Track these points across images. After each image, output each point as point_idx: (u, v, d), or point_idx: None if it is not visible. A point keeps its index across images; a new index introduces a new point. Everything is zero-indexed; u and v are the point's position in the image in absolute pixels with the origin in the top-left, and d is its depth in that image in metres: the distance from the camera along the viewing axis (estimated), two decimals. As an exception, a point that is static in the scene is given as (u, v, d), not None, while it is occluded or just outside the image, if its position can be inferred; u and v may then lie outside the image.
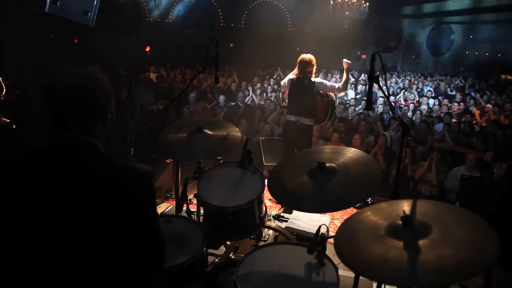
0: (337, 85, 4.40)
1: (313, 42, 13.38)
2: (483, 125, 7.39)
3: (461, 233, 1.38)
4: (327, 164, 2.00)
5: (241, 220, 2.20)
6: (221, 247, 2.80)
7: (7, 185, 1.16)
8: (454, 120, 7.38)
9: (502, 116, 7.89)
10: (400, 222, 1.46)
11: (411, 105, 8.86)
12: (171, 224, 2.22)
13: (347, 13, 11.48)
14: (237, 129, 2.62)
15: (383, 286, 2.14)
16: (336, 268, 1.83)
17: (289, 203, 2.11)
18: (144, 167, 1.26)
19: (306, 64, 4.28)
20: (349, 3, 11.42)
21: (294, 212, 3.23)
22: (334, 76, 12.29)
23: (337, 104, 8.52)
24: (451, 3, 14.29)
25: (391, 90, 11.23)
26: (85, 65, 1.27)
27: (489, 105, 8.60)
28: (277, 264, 1.89)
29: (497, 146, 5.37)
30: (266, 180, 2.21)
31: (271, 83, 10.07)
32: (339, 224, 1.66)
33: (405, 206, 1.59)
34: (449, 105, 9.00)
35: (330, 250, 2.45)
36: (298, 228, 2.96)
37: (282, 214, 3.67)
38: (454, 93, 11.31)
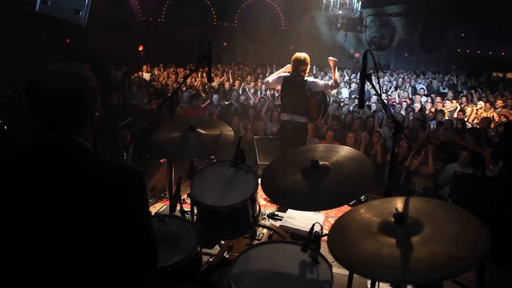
0: (330, 83, 4.42)
1: (306, 40, 13.41)
2: (475, 122, 7.46)
3: (453, 230, 1.39)
4: (321, 163, 2.00)
5: (235, 219, 2.19)
6: (215, 247, 2.80)
7: None
8: (447, 118, 7.44)
9: (493, 112, 7.97)
10: (393, 219, 1.47)
11: (404, 103, 8.91)
12: (164, 224, 2.21)
13: (339, 11, 11.50)
14: (230, 128, 2.61)
15: (377, 283, 2.16)
16: (330, 266, 1.83)
17: (283, 202, 2.11)
18: (134, 166, 1.24)
19: (300, 62, 4.29)
20: (342, 1, 11.44)
21: (289, 210, 3.24)
22: (328, 74, 12.32)
23: (330, 102, 8.57)
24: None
25: (384, 88, 11.28)
26: (70, 62, 1.23)
27: (480, 102, 8.68)
28: (271, 262, 1.89)
29: (489, 142, 5.43)
30: (259, 179, 2.21)
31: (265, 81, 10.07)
32: (333, 222, 1.67)
33: (398, 203, 1.59)
34: (442, 102, 9.07)
35: (324, 248, 2.45)
36: (293, 227, 2.97)
37: (276, 213, 3.68)
38: (446, 90, 11.40)
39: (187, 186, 3.27)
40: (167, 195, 4.45)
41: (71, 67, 1.22)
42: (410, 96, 10.07)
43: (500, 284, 3.33)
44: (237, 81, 10.23)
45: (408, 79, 12.66)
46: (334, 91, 9.21)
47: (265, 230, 2.61)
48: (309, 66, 4.38)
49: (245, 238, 2.49)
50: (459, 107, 8.44)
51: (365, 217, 1.60)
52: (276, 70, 4.95)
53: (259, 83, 10.07)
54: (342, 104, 8.76)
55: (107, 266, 1.18)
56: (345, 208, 3.77)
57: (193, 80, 10.34)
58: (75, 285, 1.16)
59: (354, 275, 2.36)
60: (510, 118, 6.98)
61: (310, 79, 4.39)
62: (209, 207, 2.18)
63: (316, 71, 12.87)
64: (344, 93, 10.49)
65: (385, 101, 9.15)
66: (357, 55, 16.73)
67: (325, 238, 1.76)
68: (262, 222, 2.76)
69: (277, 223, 3.16)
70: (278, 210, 3.78)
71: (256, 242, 2.40)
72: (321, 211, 3.39)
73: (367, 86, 2.16)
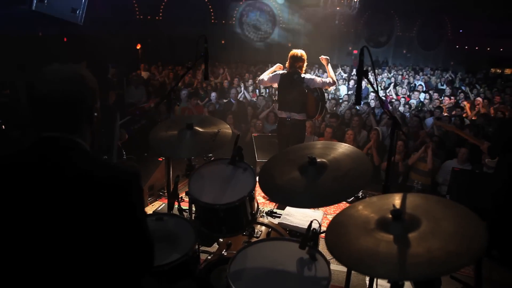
0: (327, 80, 4.41)
1: (304, 37, 13.40)
2: (473, 118, 7.47)
3: (450, 226, 1.39)
4: (318, 160, 2.00)
5: (233, 217, 2.19)
6: (214, 245, 2.80)
7: None
8: (445, 114, 7.45)
9: (492, 108, 7.98)
10: (390, 215, 1.47)
11: (402, 99, 8.92)
12: (162, 222, 2.21)
13: (338, 8, 11.48)
14: (228, 126, 2.60)
15: (375, 279, 2.16)
16: (328, 263, 1.83)
17: (280, 199, 2.11)
18: (131, 167, 1.24)
19: (296, 59, 4.28)
20: (340, -2, 11.44)
21: (287, 208, 3.24)
22: (325, 72, 12.31)
23: (328, 99, 8.56)
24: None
25: (382, 85, 11.28)
26: (70, 63, 1.23)
27: (479, 99, 8.69)
28: (269, 260, 1.89)
29: (487, 138, 5.43)
30: (257, 177, 2.21)
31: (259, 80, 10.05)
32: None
33: (395, 200, 1.59)
34: (440, 99, 9.08)
35: (323, 245, 2.46)
36: (291, 224, 2.96)
37: (275, 210, 3.68)
38: (444, 87, 11.41)
39: (186, 184, 3.27)
40: (166, 194, 4.46)
41: (70, 68, 1.22)
42: (408, 93, 10.08)
43: (498, 280, 3.34)
44: (236, 79, 10.22)
45: (406, 76, 12.67)
46: (331, 88, 9.20)
47: (263, 228, 2.61)
48: (305, 63, 4.37)
49: (243, 235, 2.48)
50: (457, 103, 8.45)
51: (362, 213, 1.60)
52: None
53: (257, 81, 10.06)
54: (340, 101, 8.75)
55: (103, 266, 1.18)
56: (344, 205, 3.80)
57: (192, 78, 10.32)
58: (72, 285, 1.15)
59: (352, 271, 2.36)
60: (507, 114, 6.98)
61: (307, 76, 4.38)
62: (207, 205, 2.17)
63: (315, 69, 12.87)
64: (342, 90, 10.48)
65: (383, 97, 9.19)
66: (355, 52, 16.72)
67: (323, 235, 1.76)
68: (261, 219, 2.76)
69: (276, 221, 3.16)
70: (278, 208, 3.78)
71: (254, 239, 2.40)
72: (319, 208, 3.39)
73: (366, 83, 2.15)
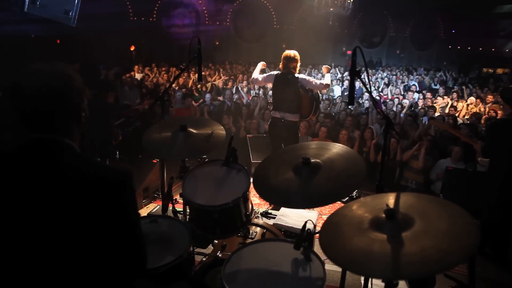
0: (318, 82, 4.43)
1: (298, 38, 13.41)
2: (466, 117, 7.53)
3: (443, 225, 1.40)
4: (312, 160, 2.00)
5: (227, 218, 2.18)
6: (209, 246, 2.79)
7: None
8: (438, 114, 7.50)
9: (483, 107, 8.05)
10: (384, 215, 1.47)
11: (396, 99, 8.97)
12: (156, 224, 2.20)
13: (331, 9, 11.51)
14: (222, 127, 2.60)
15: (370, 279, 2.16)
16: (323, 263, 1.83)
17: (274, 200, 2.11)
18: (123, 167, 1.22)
19: (290, 59, 4.30)
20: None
21: (282, 208, 3.23)
22: (320, 72, 12.35)
23: (322, 99, 8.58)
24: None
25: (376, 85, 11.34)
26: (54, 62, 1.21)
27: (471, 98, 8.76)
28: (264, 261, 1.89)
29: (480, 137, 5.48)
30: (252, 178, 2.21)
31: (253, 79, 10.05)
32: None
33: (389, 200, 1.60)
34: (433, 99, 9.14)
35: (318, 246, 2.46)
36: (286, 225, 2.96)
37: (269, 211, 3.67)
38: (438, 87, 11.49)
39: (180, 186, 3.26)
40: (160, 195, 4.45)
41: (55, 67, 1.19)
42: (402, 93, 10.14)
43: (491, 277, 3.37)
44: (230, 80, 10.21)
45: (400, 76, 12.75)
46: (324, 91, 9.26)
47: (258, 229, 2.61)
48: (299, 63, 4.38)
49: (238, 237, 2.48)
50: (450, 103, 8.52)
51: (356, 213, 1.60)
52: (268, 69, 4.95)
53: (250, 80, 10.06)
54: (334, 101, 8.78)
55: (95, 267, 1.17)
56: (339, 205, 3.81)
57: (188, 79, 10.29)
58: (64, 286, 1.14)
59: (347, 271, 2.37)
60: (499, 113, 7.05)
61: (301, 76, 4.39)
62: (201, 206, 2.16)
63: (310, 70, 12.90)
64: (336, 90, 10.51)
65: (377, 98, 9.23)
66: (349, 52, 16.78)
67: (318, 235, 1.76)
68: (256, 220, 2.76)
69: (271, 222, 3.15)
70: (272, 209, 3.77)
71: (249, 240, 2.40)
72: (314, 209, 3.40)
73: (359, 83, 2.16)
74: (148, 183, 4.66)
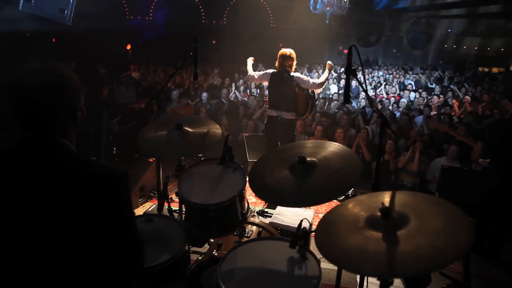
0: (313, 81, 4.43)
1: (295, 37, 13.40)
2: (461, 116, 7.56)
3: (438, 223, 1.40)
4: (308, 159, 2.00)
5: (223, 217, 2.18)
6: (205, 245, 2.78)
7: None
8: (434, 113, 7.53)
9: (480, 107, 8.09)
10: (379, 213, 1.47)
11: (392, 98, 9.00)
12: (152, 223, 2.19)
13: (328, 8, 11.52)
14: (218, 126, 2.59)
15: (366, 277, 2.17)
16: (318, 262, 1.83)
17: (270, 199, 2.11)
18: (118, 166, 1.22)
19: (286, 58, 4.30)
20: (331, -1, 11.48)
21: (278, 207, 3.24)
22: (317, 71, 12.36)
23: (318, 97, 8.58)
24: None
25: (373, 84, 11.36)
26: (51, 61, 1.19)
27: (467, 97, 8.80)
28: (260, 259, 1.89)
29: (475, 136, 5.51)
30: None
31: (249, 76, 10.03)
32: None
33: (385, 198, 1.60)
34: (429, 97, 9.17)
35: (314, 244, 2.46)
36: (282, 223, 2.96)
37: (266, 210, 3.67)
38: (434, 86, 11.54)
39: (176, 184, 3.25)
40: (157, 194, 4.43)
41: (51, 66, 1.18)
42: (398, 92, 10.17)
43: (486, 275, 3.39)
44: (227, 79, 10.19)
45: (396, 75, 12.78)
46: (319, 90, 9.26)
47: (254, 227, 2.60)
48: (295, 62, 4.38)
49: (234, 235, 2.47)
50: (445, 102, 8.55)
51: (352, 212, 1.60)
52: (265, 68, 4.95)
53: (246, 77, 10.04)
54: (331, 99, 8.79)
55: (92, 265, 1.17)
56: (335, 204, 3.82)
57: (185, 78, 10.27)
58: (60, 283, 1.14)
59: (343, 270, 2.37)
60: (495, 112, 7.08)
61: (296, 74, 4.39)
62: (197, 205, 2.16)
63: (306, 69, 12.90)
64: (333, 89, 10.53)
65: (373, 96, 9.25)
66: (346, 51, 16.80)
67: (314, 233, 1.76)
68: (252, 219, 2.75)
69: (267, 220, 3.15)
70: (268, 207, 3.77)
71: (245, 239, 2.39)
72: (310, 207, 3.40)
73: (356, 82, 2.16)
74: (144, 182, 4.64)
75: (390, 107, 8.04)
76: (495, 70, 16.86)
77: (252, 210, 3.67)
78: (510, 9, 12.69)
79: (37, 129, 1.17)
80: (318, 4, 11.81)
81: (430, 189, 5.12)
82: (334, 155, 2.06)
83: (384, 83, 11.25)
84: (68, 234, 1.12)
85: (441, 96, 9.28)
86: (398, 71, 13.76)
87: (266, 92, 5.44)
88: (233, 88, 9.04)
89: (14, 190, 1.12)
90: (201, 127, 2.57)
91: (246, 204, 2.32)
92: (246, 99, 8.33)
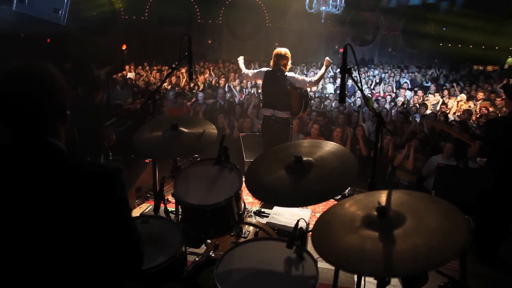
0: (308, 79, 4.43)
1: (291, 37, 13.43)
2: (457, 114, 7.60)
3: (434, 222, 1.40)
4: (304, 158, 1.99)
5: (220, 217, 2.17)
6: (202, 246, 2.77)
7: None
8: (430, 111, 7.56)
9: (474, 104, 8.13)
10: (375, 213, 1.47)
11: (388, 97, 9.02)
12: (148, 225, 2.18)
13: (323, 7, 11.53)
14: (214, 126, 2.58)
15: (363, 276, 2.17)
16: (315, 262, 1.83)
17: (267, 199, 2.10)
18: (111, 165, 1.20)
19: (280, 57, 4.30)
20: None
21: (275, 207, 3.23)
22: (313, 71, 12.37)
23: (314, 96, 8.59)
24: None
25: (369, 83, 11.38)
26: (35, 60, 1.17)
27: (462, 95, 8.84)
28: (257, 260, 1.88)
29: (470, 134, 5.53)
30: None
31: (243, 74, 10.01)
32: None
33: (381, 197, 1.60)
34: (424, 96, 9.21)
35: (311, 244, 2.46)
36: (279, 223, 2.95)
37: (263, 210, 3.67)
38: (429, 84, 11.58)
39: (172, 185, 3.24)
40: (153, 195, 4.41)
41: (36, 65, 1.16)
42: (394, 90, 10.20)
43: (483, 273, 3.41)
44: (223, 79, 10.17)
45: (392, 74, 12.82)
46: (314, 88, 9.26)
47: (251, 228, 2.60)
48: (290, 61, 4.38)
49: (231, 236, 2.47)
50: (441, 100, 8.58)
51: (348, 211, 1.60)
52: (260, 67, 4.94)
53: (244, 80, 10.04)
54: (329, 100, 8.80)
55: (89, 267, 1.15)
56: (333, 203, 3.82)
57: (182, 78, 10.24)
58: (57, 285, 1.13)
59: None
60: (490, 110, 7.12)
61: (290, 74, 4.39)
62: (193, 206, 2.15)
63: (303, 68, 12.91)
64: (329, 88, 10.54)
65: (369, 95, 9.26)
66: (341, 50, 16.81)
67: (311, 233, 1.75)
68: (248, 219, 2.75)
69: (264, 220, 3.15)
70: (262, 207, 3.77)
71: (242, 240, 2.39)
72: (307, 207, 3.40)
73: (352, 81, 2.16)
74: (140, 183, 4.63)
75: (387, 106, 8.06)
76: (489, 68, 16.96)
77: (249, 210, 3.67)
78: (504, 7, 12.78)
79: (25, 130, 1.14)
80: (313, 3, 11.81)
81: (427, 186, 5.13)
82: (330, 155, 2.05)
83: (379, 81, 11.28)
84: (63, 234, 1.10)
85: (436, 94, 9.32)
86: (394, 69, 13.80)
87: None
88: (230, 87, 9.04)
89: (4, 191, 1.10)
90: (197, 128, 2.56)
91: (243, 205, 2.32)
92: (242, 99, 8.32)
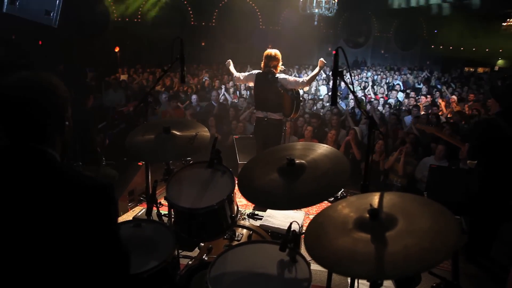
0: (300, 80, 4.43)
1: (284, 39, 13.47)
2: (448, 116, 7.66)
3: (426, 223, 1.40)
4: (297, 161, 1.99)
5: (213, 221, 2.16)
6: (195, 249, 2.76)
7: None
8: (422, 112, 7.62)
9: (467, 106, 8.21)
10: (368, 215, 1.47)
11: (381, 99, 9.08)
12: (140, 229, 2.16)
13: (316, 10, 11.59)
14: (206, 128, 2.57)
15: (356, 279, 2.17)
16: (309, 264, 1.83)
17: (260, 202, 2.09)
18: (103, 179, 1.20)
19: (270, 58, 4.31)
20: (318, 0, 11.53)
21: (269, 209, 3.23)
22: (307, 73, 12.41)
23: (308, 98, 8.61)
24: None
25: (362, 84, 11.45)
26: (38, 71, 1.19)
27: (453, 97, 8.93)
28: (250, 263, 1.87)
29: (462, 135, 5.58)
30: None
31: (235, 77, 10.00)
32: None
33: (373, 199, 1.60)
34: (417, 97, 9.28)
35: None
36: (273, 226, 2.95)
37: (256, 212, 3.66)
38: (422, 86, 11.69)
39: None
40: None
41: (39, 76, 1.18)
42: (386, 92, 10.27)
43: (474, 273, 3.44)
44: (216, 81, 10.16)
45: (385, 76, 12.91)
46: (306, 89, 9.29)
47: (244, 231, 2.59)
48: (280, 62, 4.38)
49: (225, 239, 2.46)
50: (433, 102, 8.66)
51: (341, 214, 1.60)
52: (253, 69, 4.95)
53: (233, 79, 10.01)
54: (321, 101, 8.83)
55: (78, 278, 1.14)
56: (326, 205, 3.82)
57: (175, 81, 10.21)
58: None
59: (333, 271, 2.37)
60: (482, 111, 7.19)
61: (281, 75, 4.40)
62: (186, 209, 2.14)
63: (296, 70, 12.94)
64: (322, 90, 10.58)
65: (362, 97, 9.32)
66: (334, 52, 16.89)
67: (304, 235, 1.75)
68: (242, 222, 2.74)
69: (257, 223, 3.14)
70: (257, 210, 3.76)
71: (235, 243, 2.38)
72: (302, 209, 3.40)
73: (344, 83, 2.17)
74: (133, 186, 4.60)
75: (380, 108, 8.11)
76: (480, 70, 17.17)
77: (242, 213, 3.65)
78: (495, 10, 12.95)
79: (23, 137, 1.15)
80: (306, 6, 11.86)
81: (420, 188, 5.17)
82: (322, 157, 2.05)
83: (372, 83, 11.35)
84: (50, 245, 1.09)
85: (428, 96, 9.40)
86: (386, 71, 13.90)
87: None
88: (223, 90, 9.03)
89: None
90: (189, 130, 2.55)
91: (236, 207, 2.31)
92: (236, 101, 8.32)
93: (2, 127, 1.15)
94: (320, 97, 9.48)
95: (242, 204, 4.24)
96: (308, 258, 1.85)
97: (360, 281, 2.26)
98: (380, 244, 1.37)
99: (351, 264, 1.34)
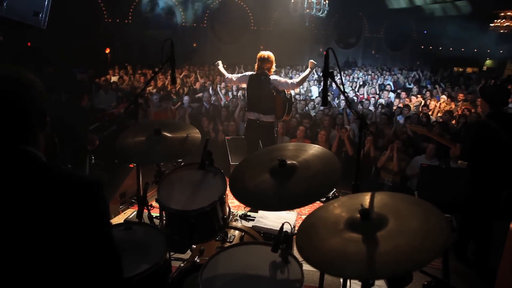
0: (291, 81, 4.45)
1: (276, 39, 13.48)
2: (439, 115, 7.75)
3: (416, 222, 1.42)
4: (288, 162, 2.00)
5: (204, 222, 2.15)
6: (187, 251, 2.74)
7: None
8: (413, 112, 7.69)
9: (454, 105, 8.32)
10: (358, 215, 1.48)
11: (372, 99, 9.14)
12: (131, 231, 2.13)
13: (307, 10, 11.63)
14: (197, 130, 2.56)
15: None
16: (301, 265, 1.83)
17: (251, 203, 2.09)
18: (91, 176, 1.16)
19: (264, 60, 4.31)
20: (309, 0, 11.58)
21: (261, 210, 3.22)
22: (298, 74, 12.44)
23: (300, 98, 8.62)
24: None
25: (353, 85, 11.51)
26: (10, 65, 1.13)
27: (443, 96, 9.03)
28: (242, 265, 1.87)
29: (451, 134, 5.64)
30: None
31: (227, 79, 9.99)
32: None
33: (364, 199, 1.61)
34: (407, 97, 9.37)
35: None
36: (265, 227, 2.95)
37: (248, 213, 3.66)
38: (412, 86, 11.79)
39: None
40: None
41: (15, 71, 1.12)
42: (377, 92, 10.34)
43: (463, 270, 3.48)
44: (208, 82, 10.13)
45: (376, 76, 13.00)
46: (297, 90, 9.32)
47: (236, 232, 2.58)
48: (274, 64, 4.40)
49: (217, 241, 2.45)
50: (423, 102, 8.74)
51: (332, 214, 1.60)
52: (245, 71, 4.94)
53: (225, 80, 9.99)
54: (313, 102, 8.86)
55: (69, 280, 1.12)
56: (318, 205, 3.83)
57: (166, 82, 10.16)
58: None
59: (325, 272, 2.37)
60: (472, 110, 7.28)
61: (274, 77, 4.41)
62: (177, 211, 2.12)
63: (288, 71, 12.97)
64: (314, 91, 10.62)
65: (354, 98, 9.37)
66: (325, 53, 16.97)
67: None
68: (234, 223, 2.73)
69: (250, 224, 3.14)
70: (250, 211, 3.76)
71: (227, 244, 2.37)
72: (293, 210, 3.40)
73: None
74: (125, 188, 4.56)
75: (371, 108, 8.16)
76: (469, 70, 17.41)
77: (234, 214, 3.65)
78: (483, 11, 13.14)
79: (2, 137, 1.10)
80: (298, 7, 11.89)
81: (411, 187, 5.22)
82: (314, 158, 2.06)
83: (362, 83, 11.42)
84: (39, 247, 1.06)
85: (418, 96, 9.49)
86: (375, 72, 14.01)
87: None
88: (210, 90, 9.01)
89: None
90: (180, 132, 2.53)
91: (228, 209, 2.30)
92: (227, 102, 8.31)
93: None
94: (312, 98, 9.51)
95: (234, 205, 4.23)
96: (300, 258, 1.85)
97: (352, 281, 2.27)
98: (371, 244, 1.37)
99: (343, 265, 1.34)
